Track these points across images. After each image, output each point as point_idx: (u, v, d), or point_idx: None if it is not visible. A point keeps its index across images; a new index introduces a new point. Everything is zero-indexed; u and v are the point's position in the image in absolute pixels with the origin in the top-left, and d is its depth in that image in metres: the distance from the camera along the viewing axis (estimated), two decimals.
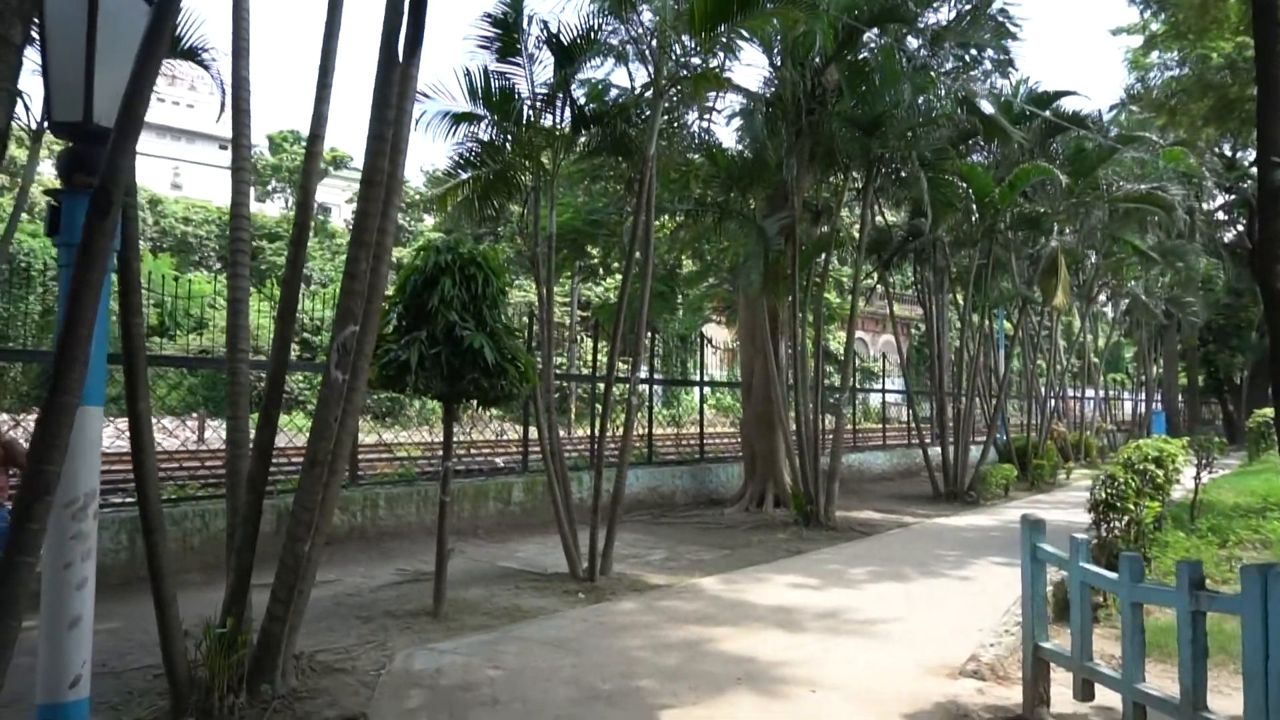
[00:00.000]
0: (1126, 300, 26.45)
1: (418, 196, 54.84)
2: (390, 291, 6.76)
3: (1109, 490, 6.57)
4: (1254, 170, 36.08)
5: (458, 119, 8.73)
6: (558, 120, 8.66)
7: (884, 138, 10.53)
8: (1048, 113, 15.00)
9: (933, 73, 11.73)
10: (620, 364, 8.61)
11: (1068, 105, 15.82)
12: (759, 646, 5.99)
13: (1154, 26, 30.66)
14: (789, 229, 11.50)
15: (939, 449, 16.94)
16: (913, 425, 21.90)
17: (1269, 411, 19.72)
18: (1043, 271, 16.01)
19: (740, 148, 12.87)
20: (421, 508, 10.11)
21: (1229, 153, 36.24)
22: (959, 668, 5.53)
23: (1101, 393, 27.75)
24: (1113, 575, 4.11)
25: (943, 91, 11.81)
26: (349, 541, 9.29)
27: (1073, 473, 20.70)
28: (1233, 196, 37.28)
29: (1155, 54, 31.44)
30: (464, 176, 8.97)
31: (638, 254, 8.14)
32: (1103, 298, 25.58)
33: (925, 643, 6.16)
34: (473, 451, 14.53)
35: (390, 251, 5.05)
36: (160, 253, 41.84)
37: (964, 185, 13.50)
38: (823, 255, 12.19)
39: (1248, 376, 39.60)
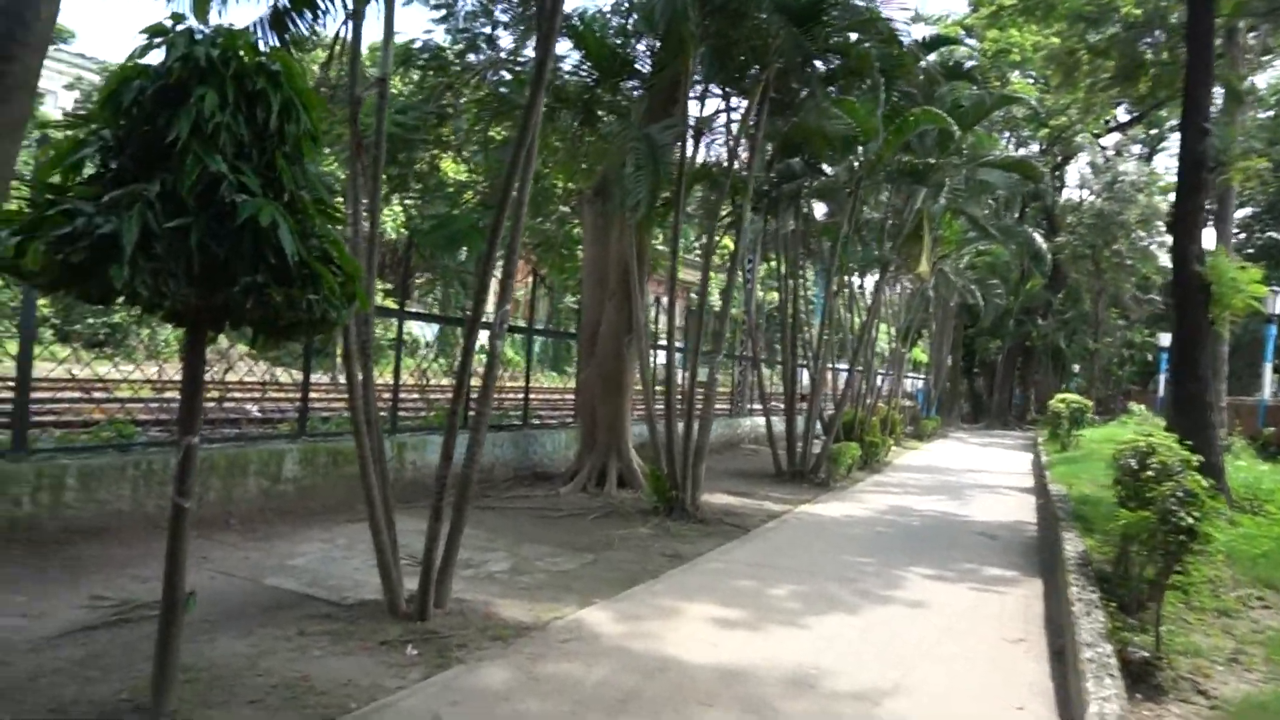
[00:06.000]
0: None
1: None
2: (92, 107, 3.54)
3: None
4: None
5: None
6: None
7: (821, 33, 8.24)
8: (932, 56, 13.55)
9: None
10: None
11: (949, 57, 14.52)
12: None
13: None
14: (680, 140, 8.96)
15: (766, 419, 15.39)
16: (737, 393, 20.51)
17: (1071, 397, 20.16)
18: (906, 236, 14.70)
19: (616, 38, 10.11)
20: (141, 489, 6.68)
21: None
22: None
23: (893, 370, 27.95)
24: None
25: None
26: (4, 548, 5.74)
27: (890, 449, 20.09)
28: None
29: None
30: None
31: (531, 129, 5.26)
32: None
33: None
34: (224, 401, 10.94)
35: None
36: None
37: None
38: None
39: (1002, 360, 42.86)
